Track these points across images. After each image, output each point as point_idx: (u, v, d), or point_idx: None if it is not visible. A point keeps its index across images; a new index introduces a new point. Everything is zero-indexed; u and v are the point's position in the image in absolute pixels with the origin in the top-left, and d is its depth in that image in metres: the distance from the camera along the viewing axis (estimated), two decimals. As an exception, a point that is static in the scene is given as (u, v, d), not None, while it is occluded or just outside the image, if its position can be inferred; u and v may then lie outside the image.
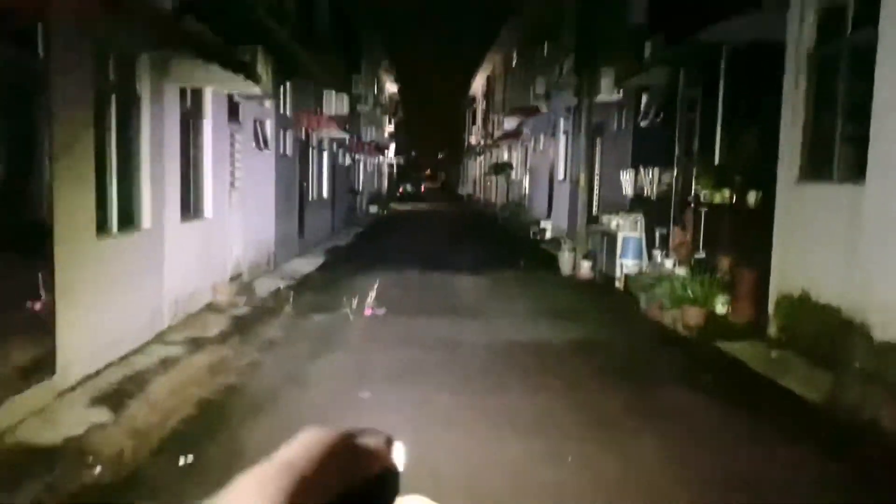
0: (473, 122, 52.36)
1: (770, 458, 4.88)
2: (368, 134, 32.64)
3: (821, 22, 7.75)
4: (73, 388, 5.68)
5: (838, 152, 7.36)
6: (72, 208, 5.88)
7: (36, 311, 5.42)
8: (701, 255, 9.96)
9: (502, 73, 36.52)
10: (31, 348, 5.32)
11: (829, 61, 7.64)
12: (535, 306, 10.55)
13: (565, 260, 14.28)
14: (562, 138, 20.89)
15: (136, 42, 6.62)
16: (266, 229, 13.06)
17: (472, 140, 52.07)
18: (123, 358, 6.65)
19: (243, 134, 11.35)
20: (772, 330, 8.21)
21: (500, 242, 21.13)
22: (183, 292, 8.49)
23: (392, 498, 0.42)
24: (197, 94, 9.28)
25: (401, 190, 53.94)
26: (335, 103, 18.79)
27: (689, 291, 8.75)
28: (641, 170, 12.63)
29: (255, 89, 9.48)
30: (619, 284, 11.96)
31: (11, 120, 5.28)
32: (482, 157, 46.33)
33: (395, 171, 54.89)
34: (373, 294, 10.31)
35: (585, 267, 13.51)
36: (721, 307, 8.67)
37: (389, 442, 0.45)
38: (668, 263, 10.48)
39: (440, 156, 77.47)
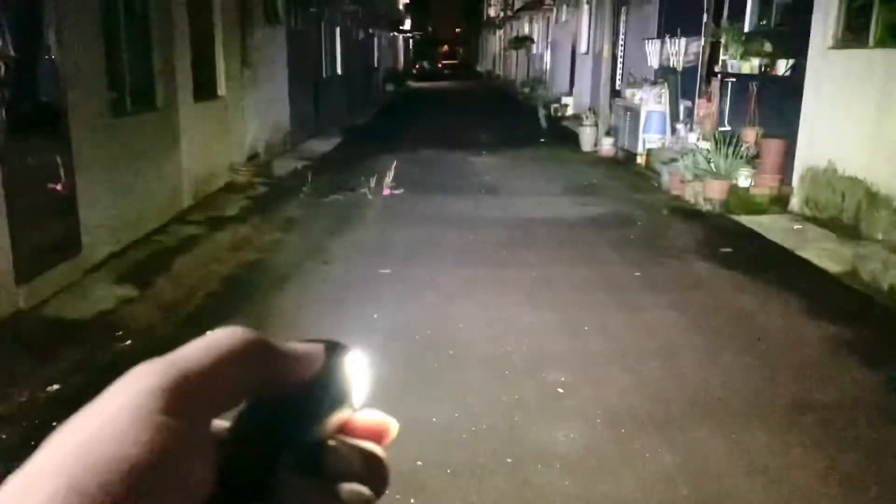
0: (493, -7, 50.16)
1: (784, 326, 4.93)
2: (383, 8, 31.46)
3: None
4: (99, 266, 5.81)
5: (877, 14, 6.97)
6: (84, 89, 5.79)
7: (57, 191, 5.45)
8: (726, 127, 9.71)
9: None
10: (56, 227, 5.39)
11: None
12: (555, 183, 10.46)
13: (586, 136, 14.01)
14: (585, 8, 19.99)
15: None
16: (281, 108, 12.87)
17: (492, 12, 50.06)
18: (146, 236, 6.75)
19: (254, 5, 10.97)
20: (795, 202, 8.10)
21: (520, 120, 20.71)
22: (201, 172, 8.49)
23: (325, 409, 0.36)
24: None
25: (417, 66, 52.55)
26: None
27: (712, 164, 8.58)
28: (668, 40, 12.11)
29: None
30: (640, 160, 11.76)
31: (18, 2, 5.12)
32: (502, 31, 44.69)
33: (411, 47, 53.31)
34: (391, 173, 10.24)
35: (607, 143, 13.26)
36: (744, 180, 8.53)
37: (336, 350, 0.37)
38: (692, 137, 10.25)
39: (458, 30, 74.85)
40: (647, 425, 3.62)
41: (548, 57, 27.44)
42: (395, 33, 39.47)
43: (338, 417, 0.36)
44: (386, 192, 9.71)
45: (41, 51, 5.38)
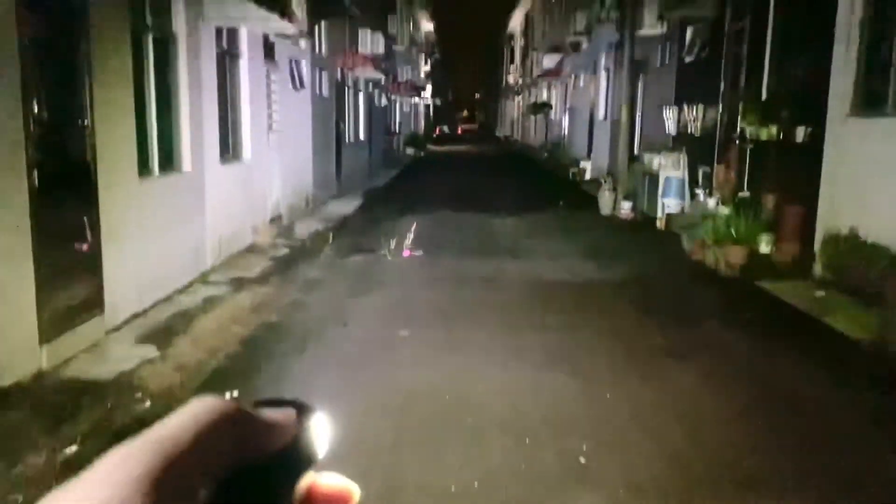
0: (511, 61, 51.37)
1: (813, 394, 4.83)
2: (404, 74, 32.26)
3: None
4: (121, 326, 5.85)
5: (895, 83, 7.04)
6: (113, 150, 5.95)
7: (83, 251, 5.54)
8: (745, 193, 9.73)
9: (541, 9, 35.55)
10: (80, 287, 5.46)
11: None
12: (575, 246, 10.47)
13: (605, 199, 14.08)
14: (603, 75, 20.38)
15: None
16: (304, 171, 13.10)
17: (510, 79, 51.15)
18: (169, 297, 6.81)
19: (279, 74, 11.30)
20: (817, 269, 8.03)
21: (539, 183, 20.91)
22: (224, 233, 8.61)
23: (297, 476, 0.37)
24: (233, 34, 9.22)
25: (437, 131, 53.50)
26: (371, 43, 18.54)
27: (733, 230, 8.57)
28: (685, 106, 12.28)
29: (291, 28, 9.37)
30: (660, 224, 11.78)
31: (52, 63, 5.31)
32: (520, 97, 45.56)
33: (431, 111, 54.38)
34: (411, 235, 10.33)
35: (626, 207, 13.31)
36: (765, 246, 8.49)
37: (304, 413, 0.38)
38: (711, 202, 10.27)
39: (477, 96, 76.37)
40: (672, 498, 3.53)
41: (566, 122, 27.86)
42: (417, 98, 40.32)
43: (304, 482, 0.37)
44: (406, 253, 9.77)
45: (74, 113, 5.56)
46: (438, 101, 58.17)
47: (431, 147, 41.04)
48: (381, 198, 16.46)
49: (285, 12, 8.31)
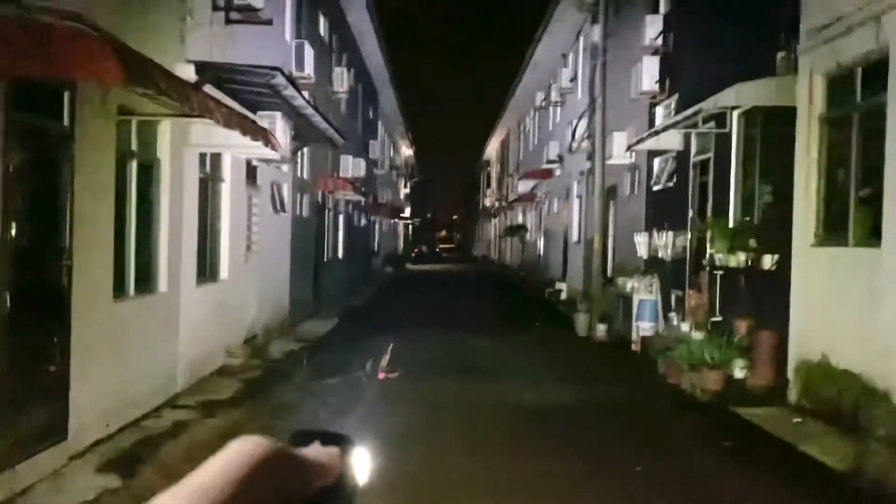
0: (488, 185, 52.92)
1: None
2: (385, 195, 33.03)
3: (830, 87, 7.84)
4: (84, 453, 5.64)
5: (853, 216, 7.35)
6: (90, 272, 5.96)
7: (51, 373, 5.43)
8: (717, 317, 9.87)
9: (516, 137, 37.07)
10: (44, 411, 5.31)
11: (840, 125, 7.71)
12: (551, 369, 10.44)
13: (581, 322, 14.19)
14: (575, 201, 21.02)
15: (157, 108, 6.80)
16: (281, 290, 13.12)
17: (487, 202, 52.51)
18: (136, 421, 6.62)
19: (261, 197, 11.53)
20: (792, 395, 8.05)
21: (516, 303, 21.06)
22: (197, 355, 8.49)
23: None
24: (216, 158, 9.48)
25: (416, 250, 54.20)
26: (352, 167, 19.09)
27: (707, 355, 8.63)
28: (655, 232, 12.64)
29: (274, 154, 9.66)
30: (635, 347, 11.83)
31: (34, 185, 5.40)
32: (497, 219, 46.62)
33: (410, 231, 55.29)
34: (387, 356, 10.23)
35: (601, 329, 13.41)
36: (739, 371, 8.54)
37: (345, 449, 0.39)
38: (685, 326, 10.38)
39: (455, 217, 78.00)
40: None
41: (541, 244, 28.42)
42: (396, 220, 41.10)
43: None
44: (381, 375, 9.66)
45: (53, 236, 5.60)
46: (417, 222, 59.30)
47: (410, 266, 41.44)
48: (359, 317, 16.42)
49: (268, 140, 8.59)
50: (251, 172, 10.91)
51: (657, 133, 11.18)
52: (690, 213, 11.32)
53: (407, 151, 45.23)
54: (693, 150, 11.44)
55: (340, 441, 0.40)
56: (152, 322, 7.40)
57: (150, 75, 5.20)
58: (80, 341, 5.71)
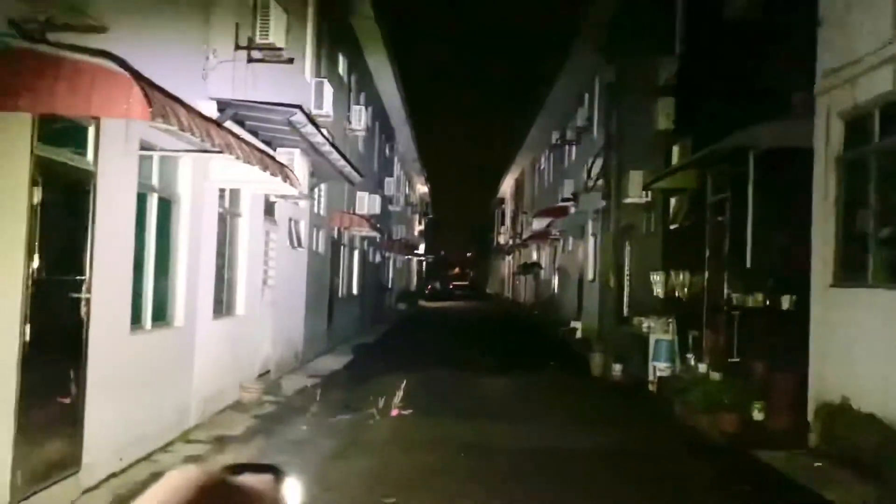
0: (502, 223, 53.04)
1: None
2: (399, 232, 33.18)
3: (848, 128, 7.85)
4: (97, 486, 5.62)
5: (872, 256, 7.29)
6: (108, 304, 5.99)
7: (67, 405, 5.44)
8: (735, 359, 9.76)
9: (530, 175, 37.25)
10: (59, 443, 5.31)
11: (858, 166, 7.70)
12: (566, 410, 10.32)
13: (596, 362, 14.07)
14: (590, 239, 21.01)
15: (178, 144, 6.91)
16: (296, 326, 13.13)
17: (501, 240, 52.57)
18: (149, 455, 6.59)
19: (278, 232, 11.62)
20: (812, 438, 7.90)
21: (529, 342, 20.93)
22: (211, 390, 8.48)
23: None
24: (235, 194, 9.58)
25: (429, 287, 54.19)
26: (367, 203, 19.23)
27: (724, 397, 8.51)
28: (671, 272, 12.58)
29: (292, 190, 9.76)
30: (651, 387, 11.70)
31: (56, 219, 5.47)
32: (511, 257, 46.61)
33: (424, 268, 55.36)
34: (399, 394, 10.17)
35: (617, 369, 13.27)
36: (758, 413, 8.40)
37: (277, 477, 0.40)
38: (702, 367, 10.27)
39: (469, 254, 78.06)
40: None
41: (555, 282, 28.34)
42: (410, 256, 41.20)
43: None
44: (394, 413, 9.59)
45: (73, 269, 5.65)
46: (431, 259, 59.40)
47: (423, 303, 41.38)
48: (372, 354, 16.37)
49: (287, 176, 8.69)
50: (269, 208, 11.02)
51: (672, 172, 11.20)
52: (707, 253, 11.27)
53: (422, 188, 45.53)
54: (709, 189, 11.44)
55: (273, 471, 0.41)
56: (168, 356, 7.41)
57: (174, 112, 5.30)
58: (96, 374, 5.73)
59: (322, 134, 9.93)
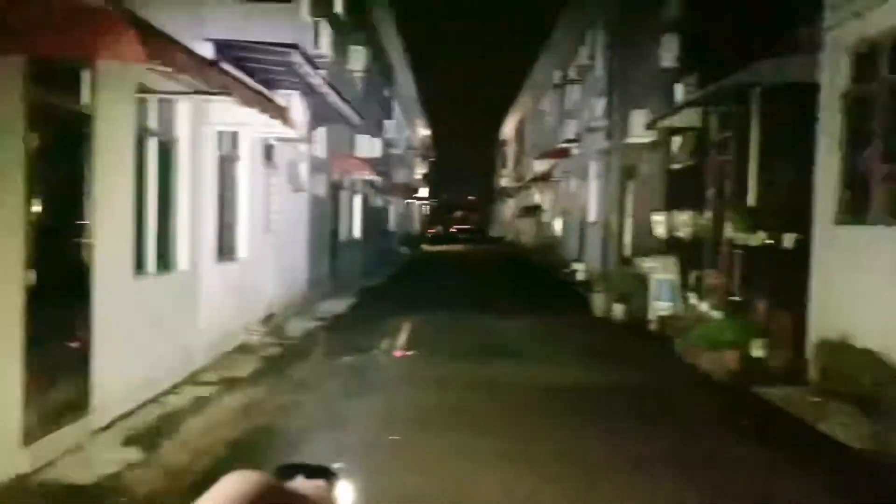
0: (504, 165, 52.71)
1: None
2: (400, 176, 32.99)
3: (855, 64, 7.71)
4: (107, 427, 5.73)
5: (876, 193, 7.25)
6: (111, 249, 6.01)
7: (74, 349, 5.51)
8: (737, 297, 9.81)
9: (533, 117, 36.83)
10: (68, 386, 5.39)
11: (864, 102, 7.58)
12: (569, 349, 10.44)
13: (598, 302, 14.15)
14: (593, 180, 20.88)
15: (176, 87, 6.81)
16: (299, 270, 13.19)
17: (503, 182, 52.33)
18: (157, 397, 6.70)
19: (278, 176, 11.55)
20: (811, 374, 8.00)
21: (532, 284, 21.05)
22: (217, 333, 8.57)
23: None
24: (234, 137, 9.50)
25: (431, 231, 54.21)
26: (368, 146, 19.07)
27: (726, 335, 8.58)
28: (674, 211, 12.54)
29: (291, 133, 9.67)
30: (652, 327, 11.80)
31: (55, 164, 5.44)
32: (513, 200, 46.47)
33: (426, 212, 55.28)
34: (405, 335, 10.30)
35: (618, 309, 13.36)
36: (758, 351, 8.49)
37: (330, 482, 0.40)
38: (703, 306, 10.33)
39: (471, 198, 77.85)
40: None
41: (558, 224, 28.30)
42: (412, 200, 41.08)
43: None
44: (400, 353, 9.72)
45: (74, 214, 5.65)
46: (434, 202, 59.26)
47: (426, 247, 41.47)
48: (376, 296, 16.49)
49: (286, 118, 8.60)
50: (268, 151, 10.93)
51: (677, 111, 11.06)
52: (710, 193, 11.21)
53: (423, 132, 45.11)
54: (713, 128, 11.31)
55: (325, 474, 0.41)
56: (172, 299, 7.47)
57: (170, 54, 5.20)
58: (102, 318, 5.78)
59: (319, 75, 9.78)
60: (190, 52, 6.02)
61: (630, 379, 8.44)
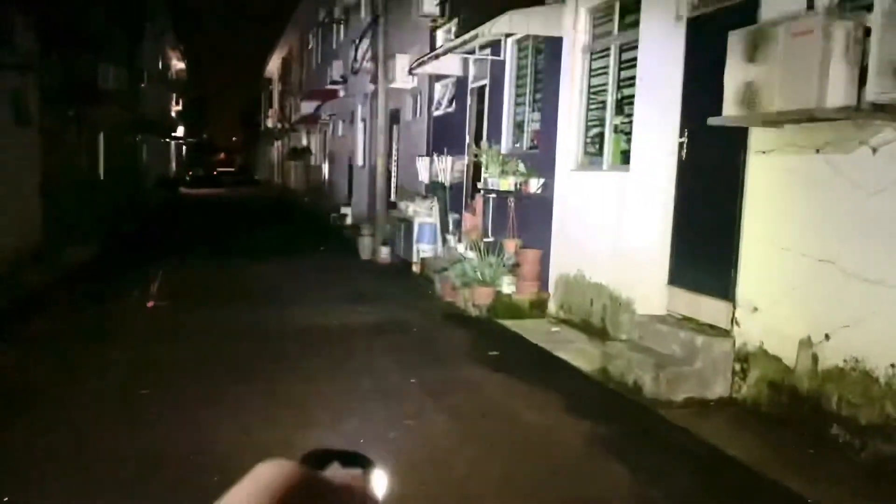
0: (270, 105, 50.79)
1: (546, 425, 5.24)
2: (153, 112, 30.47)
3: (594, 20, 8.37)
4: None
5: (609, 142, 8.02)
6: None
7: None
8: (490, 238, 10.43)
9: (299, 55, 35.74)
10: None
11: (601, 57, 8.29)
12: (333, 291, 10.48)
13: (365, 245, 14.33)
14: (360, 124, 20.88)
15: None
16: (28, 215, 11.74)
17: (270, 123, 50.50)
18: None
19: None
20: (552, 307, 8.81)
21: (300, 229, 20.75)
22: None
23: None
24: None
25: (190, 173, 51.06)
26: (112, 77, 17.32)
27: (479, 273, 9.12)
28: (436, 157, 12.95)
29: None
30: (415, 268, 12.21)
31: None
32: (280, 142, 45.12)
33: (184, 153, 51.84)
34: (156, 284, 9.65)
35: (384, 252, 13.66)
36: (507, 287, 9.14)
37: (366, 471, 0.38)
38: (461, 247, 10.87)
39: (235, 138, 74.39)
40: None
41: (326, 168, 28.05)
42: (167, 139, 38.24)
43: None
44: (150, 304, 9.10)
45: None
46: (193, 143, 55.69)
47: (186, 190, 39.06)
48: (127, 243, 15.27)
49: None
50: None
51: (436, 57, 11.32)
52: (468, 139, 11.71)
53: (179, 65, 41.91)
54: (471, 76, 11.75)
55: (361, 462, 0.37)
56: None
57: None
58: None
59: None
60: None
61: (388, 317, 8.68)
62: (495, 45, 10.32)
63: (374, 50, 16.09)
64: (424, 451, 4.64)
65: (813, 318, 5.07)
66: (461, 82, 12.24)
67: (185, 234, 18.17)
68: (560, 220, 8.81)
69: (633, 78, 7.36)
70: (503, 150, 10.29)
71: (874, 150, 4.60)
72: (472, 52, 10.33)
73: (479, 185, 10.67)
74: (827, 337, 4.94)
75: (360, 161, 21.00)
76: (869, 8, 4.29)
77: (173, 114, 40.87)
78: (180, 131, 43.46)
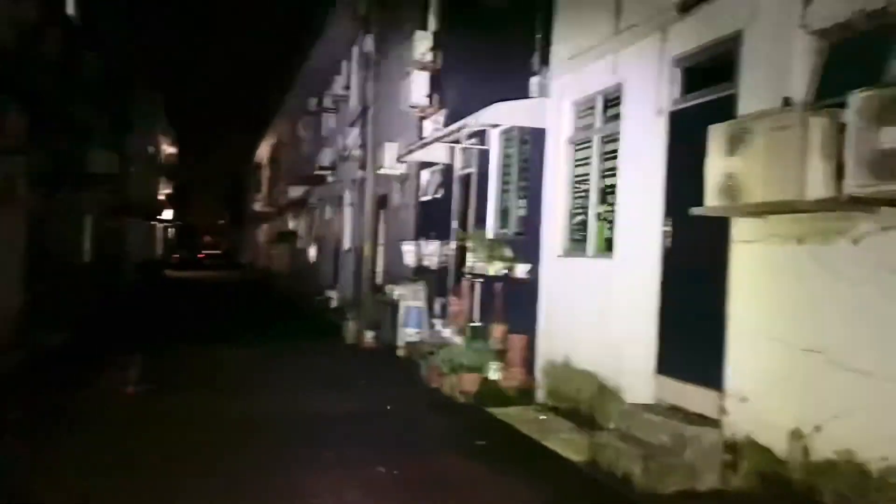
0: (258, 190, 51.29)
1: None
2: (140, 196, 30.66)
3: (577, 112, 8.62)
4: None
5: (592, 230, 8.11)
6: None
7: None
8: (477, 323, 10.38)
9: (289, 142, 36.40)
10: None
11: (584, 147, 8.48)
12: (316, 377, 10.31)
13: (350, 329, 14.22)
14: (347, 209, 21.07)
15: None
16: (9, 295, 11.60)
17: (257, 207, 50.85)
18: None
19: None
20: (540, 394, 8.69)
21: (284, 312, 20.61)
22: None
23: None
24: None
25: (177, 256, 50.94)
26: (105, 163, 17.50)
27: (465, 359, 9.03)
28: (423, 241, 13.03)
29: None
30: (401, 353, 12.07)
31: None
32: (267, 225, 45.33)
33: (171, 236, 51.93)
34: (136, 370, 9.46)
35: (369, 336, 13.53)
36: (494, 373, 9.03)
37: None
38: (447, 332, 10.79)
39: (221, 222, 74.74)
40: None
41: (312, 251, 28.11)
42: (154, 222, 38.37)
43: None
44: (130, 391, 8.90)
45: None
46: (180, 226, 55.86)
47: (171, 273, 38.90)
48: (107, 328, 15.05)
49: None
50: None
51: (423, 146, 11.56)
52: (454, 224, 11.81)
53: (169, 149, 42.51)
54: (458, 163, 11.97)
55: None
56: None
57: None
58: None
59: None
60: None
61: (371, 405, 8.50)
62: (482, 135, 10.56)
63: (364, 138, 16.44)
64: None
65: (802, 409, 5.02)
66: (448, 169, 12.45)
67: (165, 319, 17.96)
68: (546, 306, 8.80)
69: (616, 168, 7.51)
70: (489, 235, 10.38)
71: (855, 242, 4.67)
72: (458, 141, 10.56)
73: (465, 270, 10.70)
74: (817, 428, 4.88)
75: (346, 245, 21.08)
76: (842, 105, 4.44)
77: (161, 196, 41.15)
78: (167, 214, 43.66)
